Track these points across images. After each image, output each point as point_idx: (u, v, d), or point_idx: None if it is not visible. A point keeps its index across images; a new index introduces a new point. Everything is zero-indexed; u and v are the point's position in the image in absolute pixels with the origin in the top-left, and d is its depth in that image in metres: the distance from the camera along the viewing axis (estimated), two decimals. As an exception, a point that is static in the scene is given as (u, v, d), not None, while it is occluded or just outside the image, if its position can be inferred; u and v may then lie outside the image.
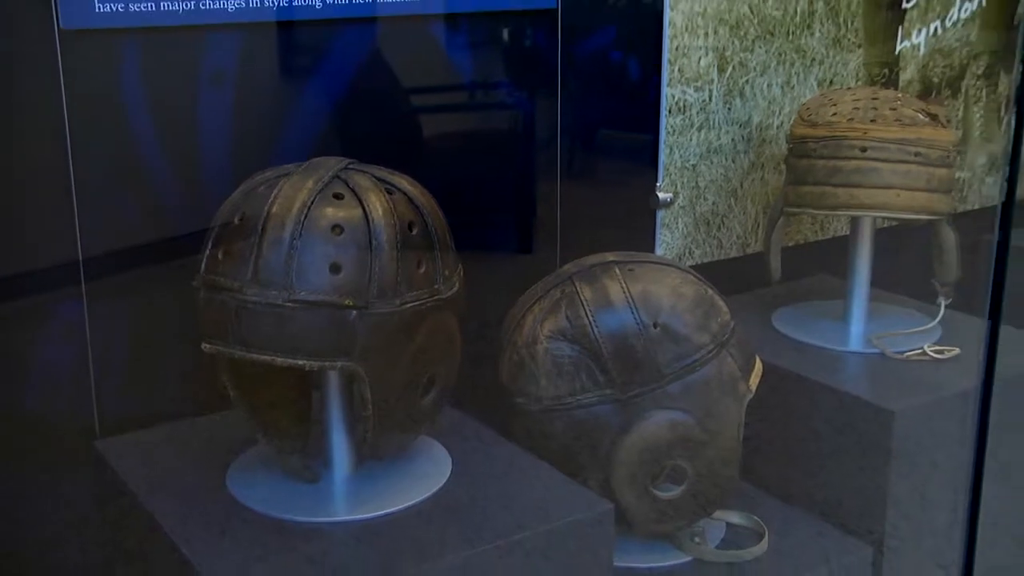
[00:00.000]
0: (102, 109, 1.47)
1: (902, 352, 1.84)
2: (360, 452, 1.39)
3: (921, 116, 1.77)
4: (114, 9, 1.43)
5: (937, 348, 1.84)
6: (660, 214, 1.99)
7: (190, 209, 1.52)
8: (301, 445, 1.40)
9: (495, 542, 1.27)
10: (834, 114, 1.79)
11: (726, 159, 2.05)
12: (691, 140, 1.99)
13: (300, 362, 1.21)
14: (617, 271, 1.54)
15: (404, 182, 1.32)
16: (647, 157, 1.98)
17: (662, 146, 1.96)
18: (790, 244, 2.17)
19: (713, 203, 2.06)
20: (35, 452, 1.52)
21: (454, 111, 1.86)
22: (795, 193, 1.83)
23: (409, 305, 1.26)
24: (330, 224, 1.22)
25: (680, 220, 2.02)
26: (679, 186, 2.00)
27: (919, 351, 1.84)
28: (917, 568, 1.78)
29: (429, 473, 1.42)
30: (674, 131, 1.96)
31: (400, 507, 1.34)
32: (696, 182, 2.02)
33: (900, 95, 1.85)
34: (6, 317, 1.51)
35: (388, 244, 1.24)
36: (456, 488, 1.39)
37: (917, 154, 1.75)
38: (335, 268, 1.21)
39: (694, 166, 2.01)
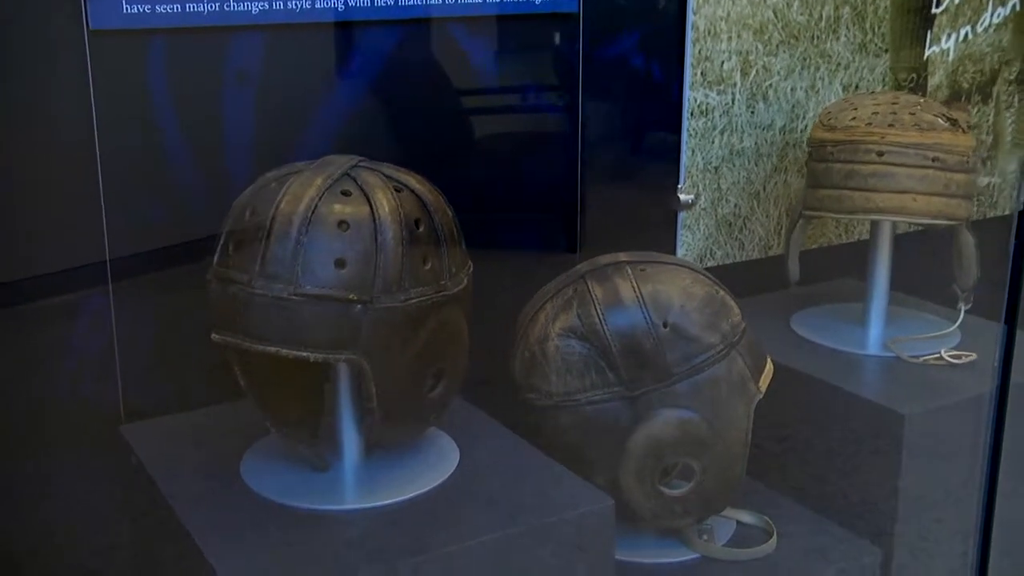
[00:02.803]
0: (130, 108, 1.53)
1: (918, 356, 1.84)
2: (368, 443, 1.42)
3: (941, 121, 1.77)
4: (141, 10, 1.49)
5: (954, 353, 1.84)
6: (682, 215, 2.01)
7: (215, 206, 1.56)
8: (310, 434, 1.44)
9: (497, 533, 1.30)
10: (853, 119, 1.80)
11: (749, 162, 2.06)
12: (713, 143, 2.01)
13: (305, 354, 1.25)
14: (629, 271, 1.57)
15: (413, 180, 1.35)
16: (670, 159, 2.00)
17: (684, 148, 1.97)
18: (813, 247, 2.18)
19: (735, 205, 2.07)
20: (65, 436, 1.58)
21: (477, 113, 1.90)
22: (813, 197, 1.84)
23: (414, 301, 1.30)
24: (337, 220, 1.26)
25: (702, 221, 2.04)
26: (701, 188, 2.02)
27: (936, 355, 1.84)
28: (928, 573, 1.78)
29: (436, 464, 1.45)
30: (696, 134, 1.98)
31: (406, 497, 1.38)
32: (718, 184, 2.04)
33: (922, 100, 1.85)
34: (46, 312, 1.57)
35: (394, 240, 1.27)
36: (462, 480, 1.42)
37: (935, 159, 1.75)
38: (340, 263, 1.25)
39: (716, 168, 2.03)
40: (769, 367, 1.62)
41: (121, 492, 1.55)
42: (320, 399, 1.45)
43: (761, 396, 1.58)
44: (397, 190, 1.32)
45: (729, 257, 2.09)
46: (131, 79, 1.52)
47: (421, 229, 1.32)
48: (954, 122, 1.78)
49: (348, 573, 1.24)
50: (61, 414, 1.59)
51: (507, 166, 1.96)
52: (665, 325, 1.52)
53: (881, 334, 1.93)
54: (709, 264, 2.05)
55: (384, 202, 1.28)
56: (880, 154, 1.75)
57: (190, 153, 1.59)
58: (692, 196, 2.00)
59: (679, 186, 1.99)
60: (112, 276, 1.56)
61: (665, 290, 1.54)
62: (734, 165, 2.05)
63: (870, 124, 1.77)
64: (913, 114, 1.78)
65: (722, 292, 1.59)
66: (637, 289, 1.54)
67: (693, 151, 1.99)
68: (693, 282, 1.57)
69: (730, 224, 2.07)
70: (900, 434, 1.66)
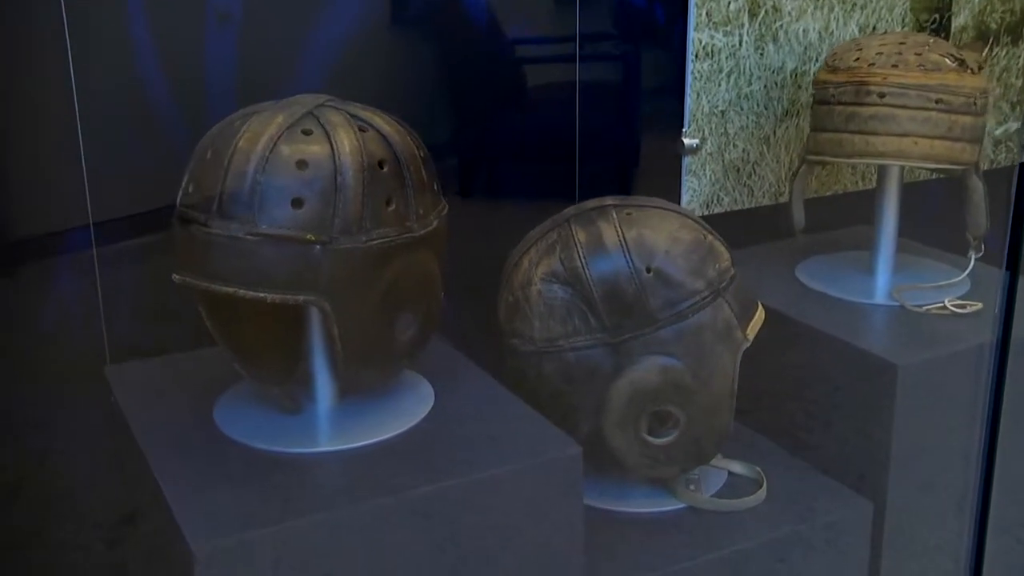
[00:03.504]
0: (106, 46, 1.52)
1: (922, 306, 1.78)
2: (339, 386, 1.42)
3: (948, 61, 1.70)
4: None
5: (958, 302, 1.78)
6: (687, 161, 1.96)
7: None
8: (283, 378, 1.43)
9: (465, 477, 1.30)
10: (857, 59, 1.73)
11: (758, 106, 2.00)
12: (719, 86, 1.95)
13: (262, 295, 1.24)
14: (614, 215, 1.54)
15: (379, 119, 1.33)
16: (673, 103, 1.95)
17: (688, 91, 1.92)
18: (828, 194, 2.12)
19: (744, 150, 2.02)
20: (52, 378, 1.60)
21: (471, 58, 1.86)
22: (815, 140, 1.79)
23: (376, 242, 1.28)
24: (296, 159, 1.24)
25: (708, 167, 1.99)
26: (707, 132, 1.96)
27: (940, 305, 1.78)
28: (921, 527, 1.74)
29: (410, 409, 1.44)
30: (701, 76, 1.93)
31: (378, 439, 1.37)
32: (725, 129, 1.98)
33: (931, 39, 1.78)
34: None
35: (354, 181, 1.25)
36: (434, 424, 1.41)
37: (938, 101, 1.68)
38: (298, 203, 1.23)
39: (723, 112, 1.97)
40: (759, 314, 1.58)
41: (99, 431, 1.57)
42: (287, 341, 1.44)
43: (748, 344, 1.55)
44: (362, 130, 1.29)
45: (737, 204, 2.04)
46: (108, 20, 1.51)
47: (385, 170, 1.30)
48: (962, 62, 1.70)
49: (315, 513, 1.23)
50: (54, 357, 1.61)
51: (506, 114, 1.93)
52: (649, 270, 1.49)
53: (888, 283, 1.87)
54: (716, 211, 2.01)
55: (346, 142, 1.26)
56: (881, 96, 1.69)
57: (169, 92, 1.58)
58: (697, 141, 1.95)
59: (683, 130, 1.94)
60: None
61: (650, 235, 1.51)
62: (742, 109, 1.99)
63: (873, 65, 1.71)
64: (919, 54, 1.71)
65: (710, 237, 1.56)
66: (621, 234, 1.51)
67: (698, 95, 1.93)
68: (680, 227, 1.54)
69: (738, 170, 2.02)
70: (893, 385, 1.61)
